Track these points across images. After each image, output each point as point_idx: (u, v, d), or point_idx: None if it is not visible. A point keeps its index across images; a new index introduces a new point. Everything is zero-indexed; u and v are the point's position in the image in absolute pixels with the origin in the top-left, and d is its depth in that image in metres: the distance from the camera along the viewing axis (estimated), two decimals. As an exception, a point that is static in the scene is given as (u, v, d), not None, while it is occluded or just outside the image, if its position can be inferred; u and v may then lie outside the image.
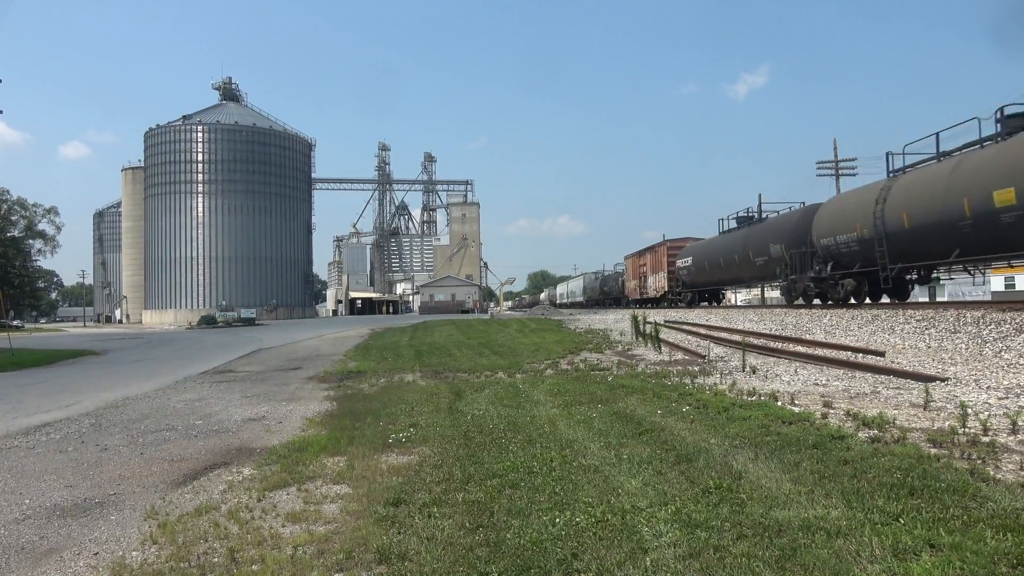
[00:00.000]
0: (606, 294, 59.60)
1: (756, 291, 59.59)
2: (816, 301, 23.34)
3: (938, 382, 8.59)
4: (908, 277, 19.09)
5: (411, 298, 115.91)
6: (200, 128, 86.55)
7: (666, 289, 38.33)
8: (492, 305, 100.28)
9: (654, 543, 3.78)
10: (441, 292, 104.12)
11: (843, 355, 11.94)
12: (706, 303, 36.59)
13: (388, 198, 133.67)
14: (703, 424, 6.89)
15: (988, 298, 43.05)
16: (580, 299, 76.77)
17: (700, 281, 33.81)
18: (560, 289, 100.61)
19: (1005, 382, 8.29)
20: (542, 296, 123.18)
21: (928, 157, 17.14)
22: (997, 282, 46.92)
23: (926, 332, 12.78)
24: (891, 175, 18.32)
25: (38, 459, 7.24)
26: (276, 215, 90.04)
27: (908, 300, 20.38)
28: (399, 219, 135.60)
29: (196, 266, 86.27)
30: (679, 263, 35.85)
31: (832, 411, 7.25)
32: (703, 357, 13.72)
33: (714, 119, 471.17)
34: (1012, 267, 23.95)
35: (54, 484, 6.15)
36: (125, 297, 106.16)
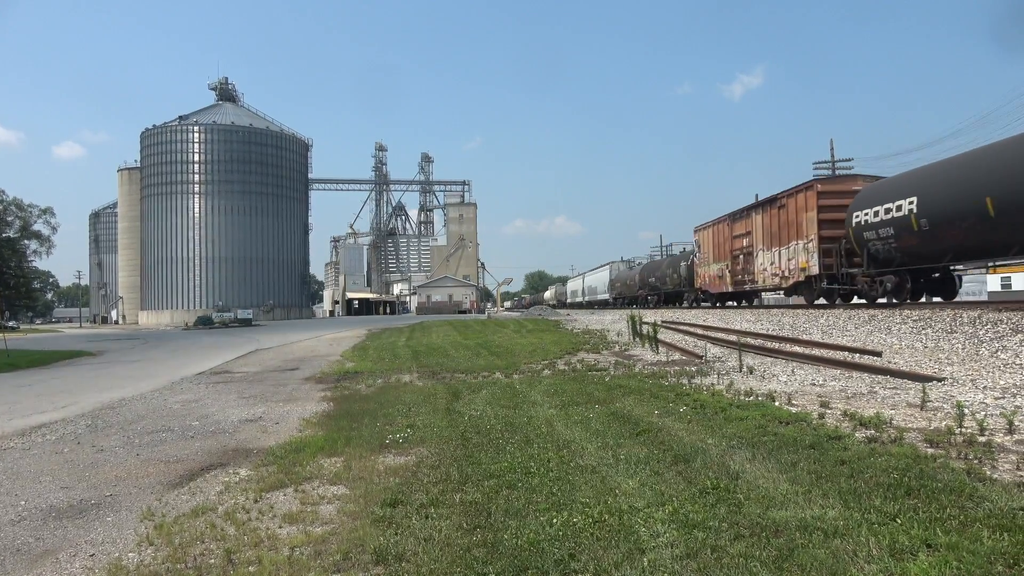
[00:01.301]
0: (654, 288, 42.65)
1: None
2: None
3: (935, 382, 8.61)
4: None
5: (408, 299, 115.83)
6: (196, 128, 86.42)
7: (815, 272, 20.37)
8: (489, 306, 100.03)
9: (651, 543, 3.78)
10: (438, 293, 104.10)
11: (840, 355, 11.97)
12: (911, 296, 17.86)
13: (385, 198, 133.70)
14: (700, 424, 6.90)
15: (984, 298, 43.22)
16: (604, 296, 60.14)
17: (944, 247, 15.68)
18: (572, 286, 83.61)
19: (1001, 382, 8.32)
20: (546, 295, 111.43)
21: None
22: (993, 282, 47.12)
23: (922, 332, 12.81)
24: None
25: (34, 460, 7.21)
26: (273, 216, 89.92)
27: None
28: (396, 219, 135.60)
29: (193, 267, 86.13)
30: (863, 217, 18.10)
31: (829, 411, 7.26)
32: (700, 357, 13.74)
33: (710, 120, 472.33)
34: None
35: (50, 485, 6.13)
36: (121, 298, 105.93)
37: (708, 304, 32.41)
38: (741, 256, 26.67)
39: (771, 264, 23.85)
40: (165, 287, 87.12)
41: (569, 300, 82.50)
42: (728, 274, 28.04)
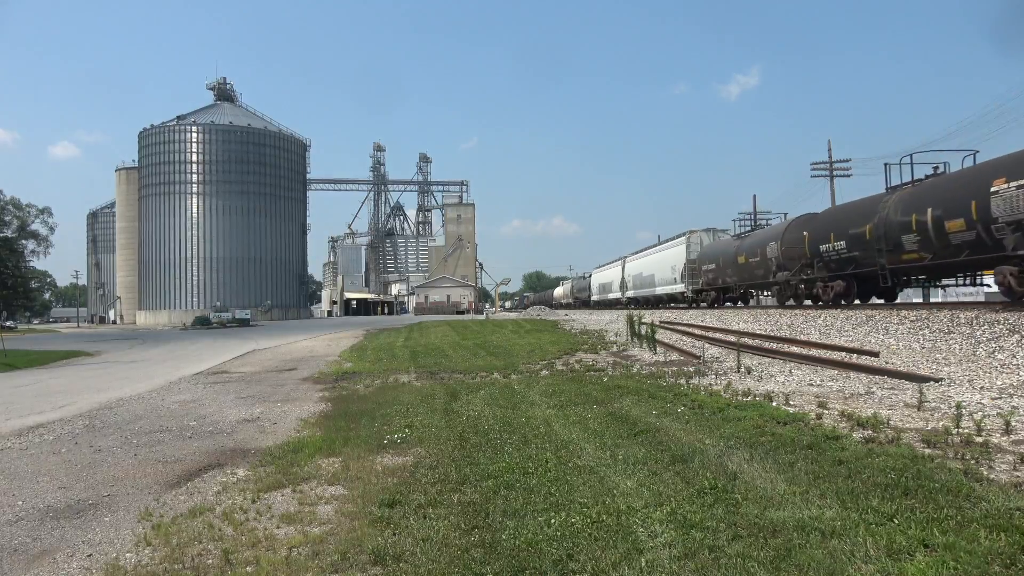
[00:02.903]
0: (834, 265, 19.48)
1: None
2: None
3: (932, 382, 8.62)
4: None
5: (406, 299, 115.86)
6: (194, 128, 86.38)
7: None
8: (488, 306, 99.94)
9: (649, 544, 3.78)
10: (436, 293, 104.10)
11: (837, 356, 11.98)
12: None
13: (383, 199, 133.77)
14: (698, 425, 6.90)
15: (981, 299, 43.23)
16: (670, 288, 36.41)
17: None
18: (601, 278, 58.40)
19: (999, 382, 8.33)
20: (557, 292, 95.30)
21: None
22: (991, 282, 47.05)
23: (920, 333, 12.83)
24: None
25: (31, 460, 7.20)
26: (271, 216, 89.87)
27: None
28: (394, 220, 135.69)
29: (190, 267, 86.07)
30: None
31: (827, 411, 7.27)
32: (698, 358, 13.75)
33: (708, 120, 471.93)
34: None
35: (48, 486, 6.11)
36: (119, 298, 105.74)
37: None
38: None
39: None
40: (163, 287, 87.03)
41: (596, 297, 59.27)
42: None
